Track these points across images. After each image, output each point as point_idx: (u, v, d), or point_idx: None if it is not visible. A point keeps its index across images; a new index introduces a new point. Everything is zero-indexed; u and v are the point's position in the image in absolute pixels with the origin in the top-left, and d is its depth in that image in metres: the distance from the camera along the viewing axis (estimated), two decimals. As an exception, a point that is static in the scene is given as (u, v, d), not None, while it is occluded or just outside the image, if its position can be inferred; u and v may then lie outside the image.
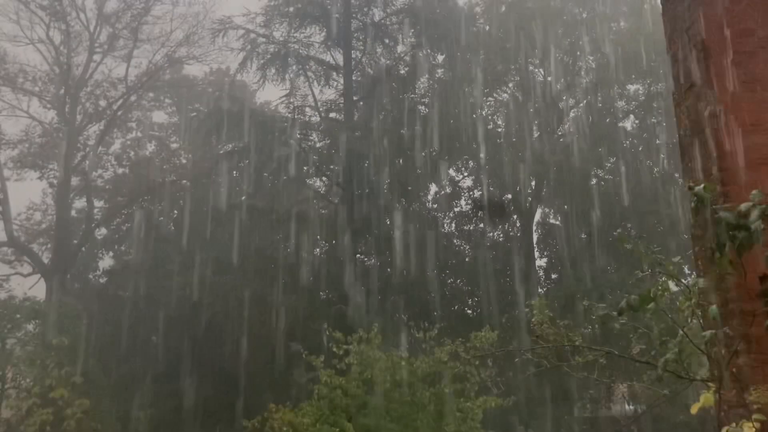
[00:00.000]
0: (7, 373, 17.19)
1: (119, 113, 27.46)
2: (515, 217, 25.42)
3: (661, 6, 4.05)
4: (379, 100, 23.28)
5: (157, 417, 18.37)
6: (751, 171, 3.31)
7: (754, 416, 3.10)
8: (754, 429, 3.06)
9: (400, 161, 23.29)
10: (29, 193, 34.92)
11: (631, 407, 19.77)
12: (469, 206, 26.18)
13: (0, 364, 16.98)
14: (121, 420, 17.11)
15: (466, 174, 26.15)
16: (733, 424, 3.14)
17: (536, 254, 24.99)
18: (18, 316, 19.31)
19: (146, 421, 17.82)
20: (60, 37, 26.62)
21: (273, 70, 23.97)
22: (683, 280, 3.68)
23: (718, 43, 3.58)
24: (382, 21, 24.67)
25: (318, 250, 25.18)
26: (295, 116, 23.71)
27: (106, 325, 21.13)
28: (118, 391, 18.47)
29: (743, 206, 2.67)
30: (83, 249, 25.83)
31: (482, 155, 24.32)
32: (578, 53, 24.57)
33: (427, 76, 25.66)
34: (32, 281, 25.67)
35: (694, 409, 3.71)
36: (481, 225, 26.25)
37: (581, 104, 25.80)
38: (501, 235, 25.99)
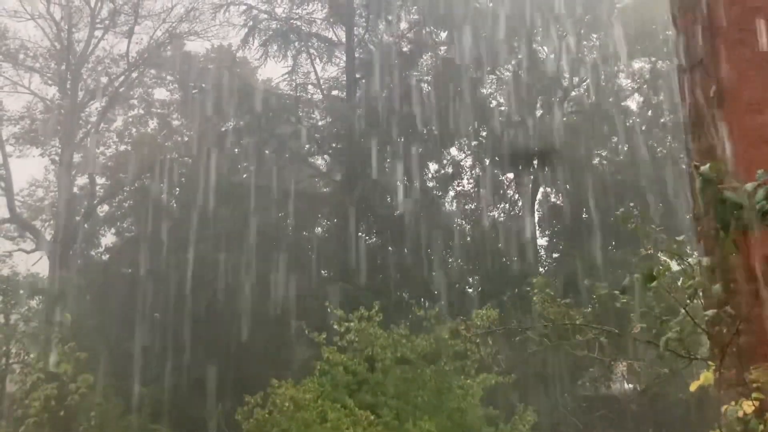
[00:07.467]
0: (11, 349, 17.29)
1: (121, 90, 27.32)
2: (516, 196, 25.36)
3: (667, -18, 4.00)
4: (381, 77, 23.13)
5: (159, 392, 18.51)
6: (757, 150, 3.29)
7: (753, 395, 3.11)
8: (753, 407, 3.08)
9: (402, 139, 23.19)
10: (31, 169, 34.90)
11: (630, 386, 19.87)
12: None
13: (4, 340, 17.09)
14: (124, 395, 17.26)
15: (468, 152, 26.06)
16: (733, 403, 3.16)
17: (538, 233, 24.98)
18: (21, 291, 19.41)
19: (149, 396, 17.96)
20: (60, 13, 26.43)
21: (275, 47, 23.81)
22: (686, 260, 3.67)
23: (725, 20, 3.53)
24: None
25: (319, 228, 25.22)
26: (298, 94, 23.59)
27: (109, 301, 21.24)
28: (121, 366, 18.60)
29: (749, 186, 2.64)
30: (86, 225, 25.87)
31: (484, 133, 24.20)
32: (582, 30, 24.32)
33: (429, 53, 25.45)
34: (35, 257, 25.80)
35: (693, 387, 3.74)
36: (483, 204, 26.19)
37: (584, 82, 25.60)
38: (502, 215, 25.96)
